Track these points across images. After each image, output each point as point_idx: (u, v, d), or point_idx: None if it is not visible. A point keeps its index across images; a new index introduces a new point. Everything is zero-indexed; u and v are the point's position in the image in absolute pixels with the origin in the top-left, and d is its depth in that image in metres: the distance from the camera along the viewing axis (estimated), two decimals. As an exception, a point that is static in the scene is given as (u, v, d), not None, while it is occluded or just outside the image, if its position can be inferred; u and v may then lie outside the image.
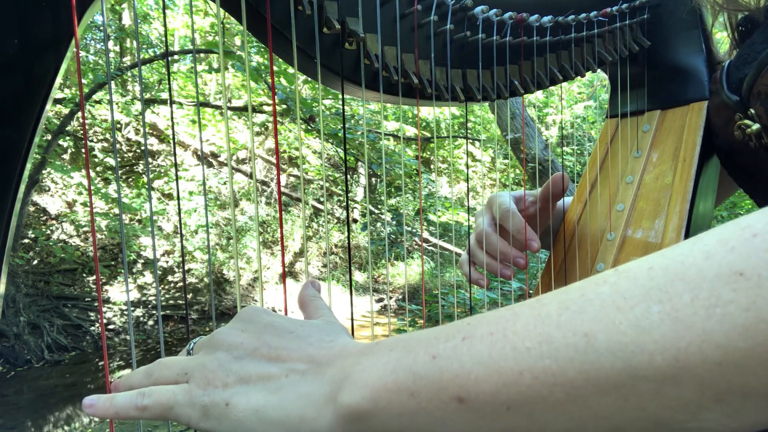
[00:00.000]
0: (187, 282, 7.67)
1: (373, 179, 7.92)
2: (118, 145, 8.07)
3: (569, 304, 0.27)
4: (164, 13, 0.49)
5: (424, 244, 7.39)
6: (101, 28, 6.68)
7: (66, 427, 4.67)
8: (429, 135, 7.55)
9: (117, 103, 7.11)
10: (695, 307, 0.23)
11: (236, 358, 0.37)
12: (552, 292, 0.30)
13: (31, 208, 7.15)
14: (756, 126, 0.59)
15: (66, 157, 7.50)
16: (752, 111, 0.60)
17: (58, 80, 0.41)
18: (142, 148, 8.59)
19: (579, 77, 0.75)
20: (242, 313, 0.41)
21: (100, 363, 5.97)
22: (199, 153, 8.86)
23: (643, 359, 0.24)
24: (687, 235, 0.71)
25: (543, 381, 0.26)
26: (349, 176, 8.19)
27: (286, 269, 8.55)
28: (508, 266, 0.77)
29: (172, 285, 7.61)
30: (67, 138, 7.04)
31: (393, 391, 0.31)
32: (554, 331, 0.27)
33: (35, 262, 7.01)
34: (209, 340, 0.39)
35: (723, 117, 0.67)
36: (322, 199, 9.54)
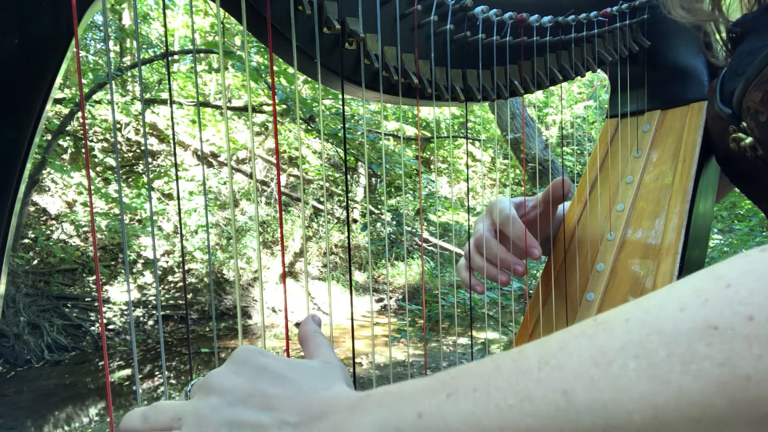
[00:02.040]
0: (187, 282, 7.67)
1: (373, 179, 7.92)
2: (118, 145, 8.07)
3: (549, 359, 0.27)
4: (164, 13, 0.50)
5: (424, 244, 7.39)
6: (101, 28, 6.68)
7: (66, 427, 4.67)
8: (429, 135, 7.55)
9: (117, 103, 7.11)
10: (671, 363, 0.23)
11: (229, 404, 0.37)
12: (534, 343, 0.30)
13: (31, 208, 7.15)
14: (749, 139, 0.59)
15: (66, 157, 7.50)
16: (744, 124, 0.60)
17: (58, 80, 0.41)
18: (142, 148, 8.59)
19: (579, 77, 0.75)
20: (238, 354, 0.41)
21: (100, 363, 5.97)
22: (199, 153, 8.86)
23: (622, 417, 0.24)
24: (687, 235, 0.70)
25: None
26: (349, 176, 8.19)
27: (286, 269, 8.54)
28: (505, 273, 0.76)
29: (172, 285, 7.60)
30: (67, 138, 7.04)
31: None
32: (535, 388, 0.27)
33: (35, 262, 7.01)
34: (204, 383, 0.39)
35: (718, 127, 0.66)
36: (322, 199, 9.54)
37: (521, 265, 0.75)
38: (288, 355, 0.47)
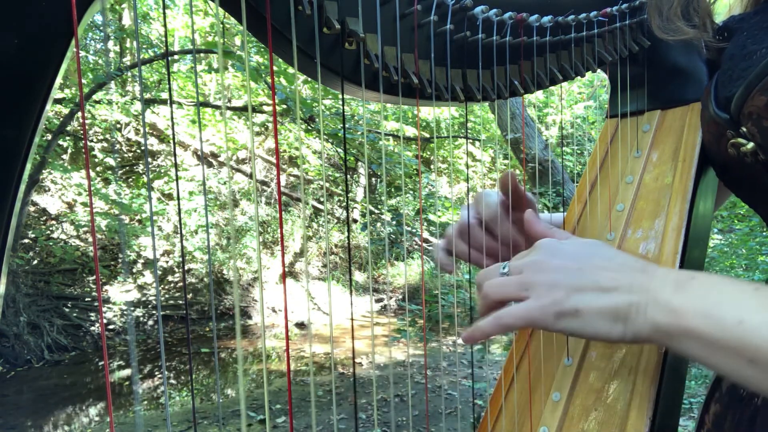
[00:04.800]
0: (187, 282, 7.67)
1: (373, 179, 7.93)
2: (117, 145, 8.08)
3: None
4: (164, 13, 0.49)
5: (424, 244, 7.39)
6: (101, 28, 6.68)
7: (66, 427, 4.67)
8: (429, 135, 7.55)
9: (117, 103, 7.11)
10: None
11: (566, 276, 0.48)
12: None
13: (31, 208, 7.15)
14: (751, 144, 0.58)
15: (66, 157, 7.50)
16: (744, 129, 0.58)
17: (58, 80, 0.41)
18: (142, 148, 8.60)
19: (579, 77, 0.75)
20: (543, 245, 0.51)
21: (100, 363, 5.97)
22: (199, 153, 8.86)
23: None
24: (687, 235, 0.70)
25: None
26: (349, 176, 8.19)
27: (286, 269, 8.54)
28: (489, 257, 0.76)
29: (172, 285, 7.60)
30: (67, 138, 7.04)
31: (700, 333, 0.41)
32: None
33: (35, 262, 7.01)
34: (533, 264, 0.49)
35: (714, 133, 0.65)
36: (322, 199, 9.53)
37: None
38: (288, 356, 0.47)
